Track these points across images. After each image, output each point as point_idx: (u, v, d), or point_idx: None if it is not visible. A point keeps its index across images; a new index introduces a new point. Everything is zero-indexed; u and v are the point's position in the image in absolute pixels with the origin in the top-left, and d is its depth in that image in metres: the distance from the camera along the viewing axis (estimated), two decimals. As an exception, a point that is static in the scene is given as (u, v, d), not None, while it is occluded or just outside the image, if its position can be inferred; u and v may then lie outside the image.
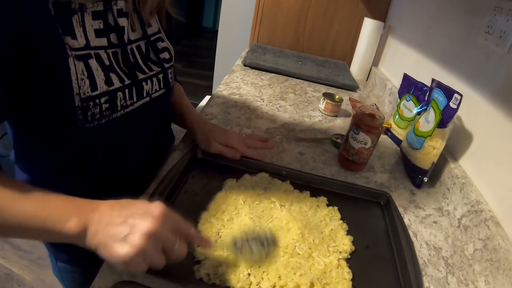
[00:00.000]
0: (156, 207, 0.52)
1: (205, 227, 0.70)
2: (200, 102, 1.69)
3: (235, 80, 1.59)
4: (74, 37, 0.63)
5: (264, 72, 1.79)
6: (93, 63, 0.66)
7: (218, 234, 0.69)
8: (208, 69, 4.86)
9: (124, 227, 0.50)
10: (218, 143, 0.90)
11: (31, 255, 2.03)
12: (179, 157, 0.91)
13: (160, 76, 0.84)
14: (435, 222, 0.88)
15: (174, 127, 1.09)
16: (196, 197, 0.80)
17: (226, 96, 1.40)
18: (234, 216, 0.73)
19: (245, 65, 1.82)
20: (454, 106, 0.91)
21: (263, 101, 1.40)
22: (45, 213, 0.53)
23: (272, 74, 1.78)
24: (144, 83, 0.79)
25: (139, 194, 0.83)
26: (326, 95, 1.38)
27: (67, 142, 0.71)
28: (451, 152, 1.04)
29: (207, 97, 1.52)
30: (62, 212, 0.53)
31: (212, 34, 7.31)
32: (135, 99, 0.76)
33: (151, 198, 0.74)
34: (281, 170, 0.91)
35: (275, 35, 2.20)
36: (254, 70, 1.80)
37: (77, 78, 0.63)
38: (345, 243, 0.72)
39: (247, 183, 0.84)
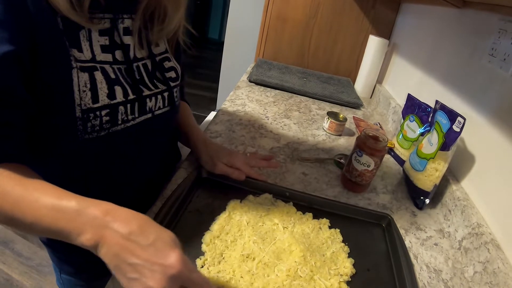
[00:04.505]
0: (173, 266, 0.50)
1: (208, 248, 0.71)
2: (206, 115, 1.70)
3: (240, 97, 1.61)
4: (80, 50, 0.66)
5: (269, 89, 1.81)
6: (98, 75, 0.68)
7: (222, 256, 0.70)
8: (213, 81, 4.89)
9: (132, 270, 0.50)
10: (223, 164, 0.91)
11: (31, 262, 2.05)
12: (184, 176, 0.92)
13: (165, 94, 0.86)
14: (435, 244, 0.89)
15: (181, 144, 1.10)
16: (200, 217, 0.81)
17: (231, 113, 1.41)
18: (238, 237, 0.75)
19: (250, 81, 1.84)
20: (457, 130, 0.92)
21: (268, 119, 1.42)
22: (60, 223, 0.54)
23: (277, 91, 1.80)
24: (148, 100, 0.80)
25: (144, 211, 0.84)
26: (331, 114, 1.39)
27: (66, 153, 0.72)
28: (453, 174, 1.05)
29: (213, 113, 1.53)
30: (74, 224, 0.53)
31: (217, 46, 7.35)
32: (136, 115, 0.78)
33: (156, 218, 0.75)
34: (284, 192, 0.92)
35: (280, 51, 2.22)
36: (259, 86, 1.82)
37: (79, 90, 0.65)
38: (346, 266, 0.73)
39: (250, 204, 0.85)
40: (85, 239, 0.52)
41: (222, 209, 0.83)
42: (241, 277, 0.66)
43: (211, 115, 1.63)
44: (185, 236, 0.74)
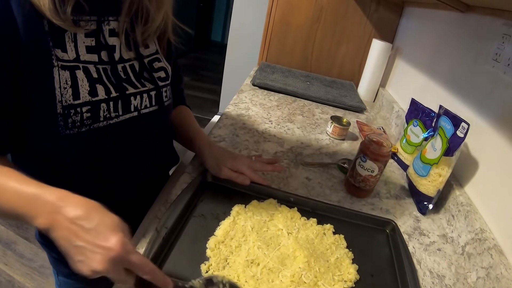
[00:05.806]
0: (112, 249, 0.53)
1: (213, 253, 0.71)
2: (209, 118, 1.71)
3: (244, 101, 1.62)
4: (64, 50, 0.68)
5: (272, 92, 1.82)
6: (79, 73, 0.70)
7: (226, 261, 0.71)
8: (216, 83, 4.90)
9: (78, 252, 0.54)
10: (227, 168, 0.91)
11: (33, 263, 2.06)
12: (189, 181, 0.93)
13: (153, 93, 0.86)
14: (439, 250, 0.89)
15: (179, 147, 1.11)
16: (205, 222, 0.82)
17: (235, 117, 1.42)
18: (242, 243, 0.75)
19: (254, 85, 1.85)
20: (461, 135, 0.92)
21: (271, 123, 1.42)
22: (19, 207, 0.59)
23: (281, 95, 1.81)
24: (132, 98, 0.81)
25: (140, 212, 0.85)
26: (334, 119, 1.39)
27: (50, 149, 0.73)
28: (457, 179, 1.05)
29: (217, 116, 1.54)
30: (31, 208, 0.58)
31: (220, 48, 7.36)
32: (120, 112, 0.79)
33: (160, 223, 0.75)
34: (288, 197, 0.92)
35: (283, 54, 2.23)
36: (262, 90, 1.83)
37: (60, 87, 0.67)
38: (350, 272, 0.73)
39: (255, 209, 0.86)
40: (39, 222, 0.57)
41: (226, 214, 0.84)
42: (246, 282, 0.66)
43: (215, 118, 1.63)
44: (190, 241, 0.75)
